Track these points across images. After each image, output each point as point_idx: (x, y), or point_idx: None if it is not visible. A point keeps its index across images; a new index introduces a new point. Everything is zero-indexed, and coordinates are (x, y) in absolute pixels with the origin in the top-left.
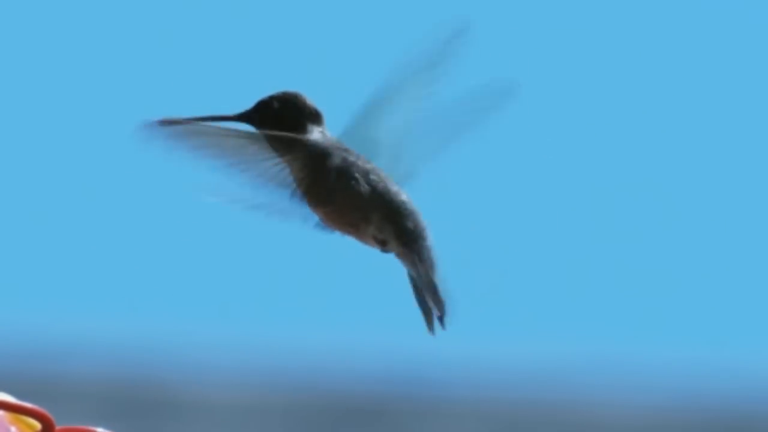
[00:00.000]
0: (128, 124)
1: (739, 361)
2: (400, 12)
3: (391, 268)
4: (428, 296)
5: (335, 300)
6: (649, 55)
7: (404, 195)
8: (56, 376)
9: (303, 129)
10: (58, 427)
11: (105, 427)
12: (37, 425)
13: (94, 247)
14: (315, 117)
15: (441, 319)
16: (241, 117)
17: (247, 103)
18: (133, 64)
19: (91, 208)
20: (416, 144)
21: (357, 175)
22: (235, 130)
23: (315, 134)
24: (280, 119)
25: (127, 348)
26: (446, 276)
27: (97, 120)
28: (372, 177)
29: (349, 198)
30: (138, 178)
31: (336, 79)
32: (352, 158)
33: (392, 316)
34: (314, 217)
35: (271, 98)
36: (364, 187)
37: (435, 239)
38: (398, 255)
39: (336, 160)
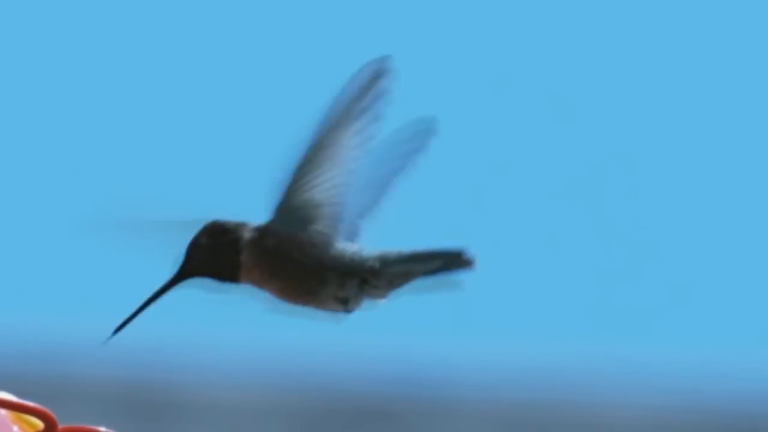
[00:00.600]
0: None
1: (744, 361)
2: (313, 67)
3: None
4: (439, 261)
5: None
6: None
7: (355, 246)
8: (60, 377)
9: (237, 245)
10: (60, 427)
11: (108, 427)
12: (40, 425)
13: (96, 247)
14: (240, 227)
15: (461, 258)
16: (183, 274)
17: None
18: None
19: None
20: (355, 198)
21: (301, 243)
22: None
23: (249, 234)
24: (215, 250)
25: (131, 349)
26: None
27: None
28: (316, 240)
29: (300, 266)
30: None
31: (259, 141)
32: (291, 230)
33: (398, 316)
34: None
35: (197, 238)
36: (312, 251)
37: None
38: (386, 289)
39: (276, 238)
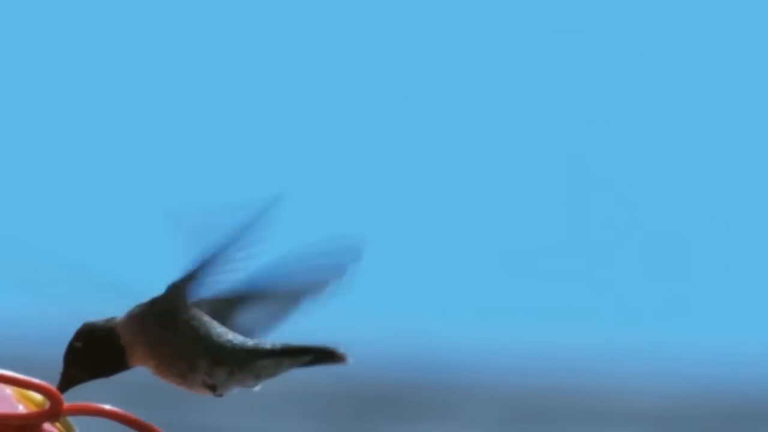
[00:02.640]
0: None
1: (758, 346)
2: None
3: (414, 255)
4: (311, 355)
5: (355, 286)
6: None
7: (230, 334)
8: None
9: (113, 337)
10: (65, 404)
11: (119, 407)
12: (45, 404)
13: (106, 230)
14: (111, 320)
15: (335, 356)
16: (67, 384)
17: None
18: None
19: (108, 202)
20: (243, 311)
21: (176, 325)
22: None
23: (121, 322)
24: (92, 348)
25: None
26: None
27: None
28: (193, 323)
29: (172, 348)
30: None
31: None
32: (172, 306)
33: (412, 302)
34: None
35: (70, 345)
36: (185, 339)
37: None
38: (255, 378)
39: (156, 310)
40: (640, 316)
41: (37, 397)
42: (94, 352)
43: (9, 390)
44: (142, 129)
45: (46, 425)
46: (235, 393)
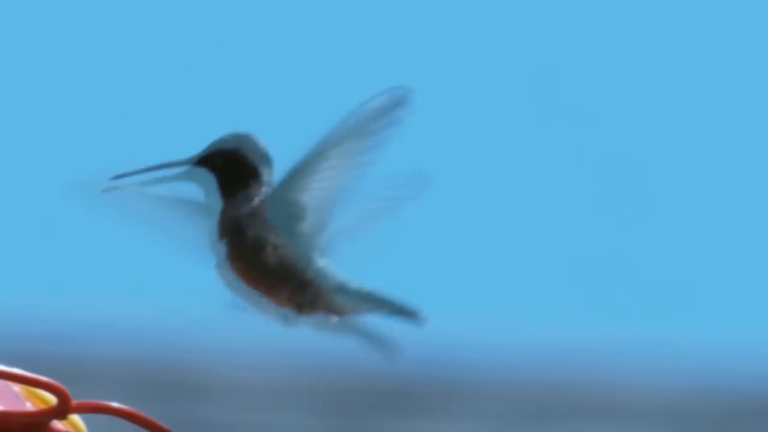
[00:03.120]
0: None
1: (765, 341)
2: (342, 77)
3: (417, 252)
4: (391, 310)
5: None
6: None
7: (324, 257)
8: (77, 358)
9: (252, 174)
10: (73, 402)
11: (123, 403)
12: (53, 402)
13: (117, 226)
14: (264, 160)
15: (413, 315)
16: (189, 163)
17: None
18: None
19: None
20: (340, 214)
21: (280, 234)
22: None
23: (252, 190)
24: (230, 163)
25: (151, 330)
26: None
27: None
28: (294, 237)
29: (269, 258)
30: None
31: (271, 136)
32: (275, 221)
33: (418, 297)
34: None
35: (222, 141)
36: (286, 248)
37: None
38: (334, 312)
39: (262, 216)
40: (646, 311)
41: (46, 394)
42: (223, 176)
43: (17, 387)
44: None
45: (55, 423)
46: (241, 388)
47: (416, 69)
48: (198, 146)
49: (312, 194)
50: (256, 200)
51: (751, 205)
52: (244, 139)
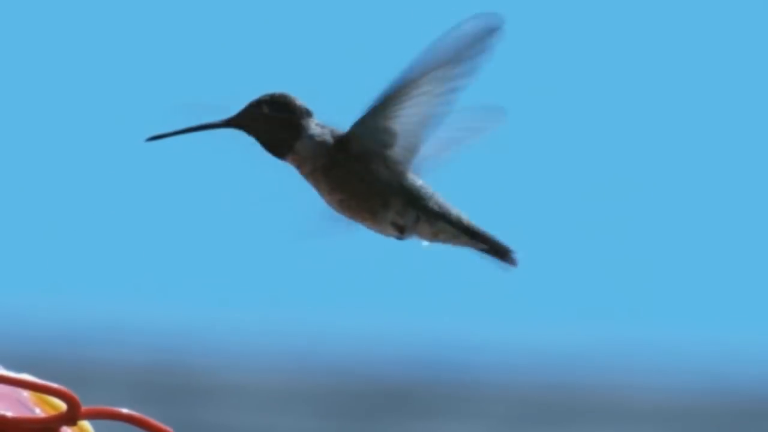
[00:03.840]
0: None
1: (766, 344)
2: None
3: (420, 252)
4: (486, 245)
5: (365, 284)
6: (656, 56)
7: (421, 180)
8: (86, 361)
9: (297, 128)
10: (82, 408)
11: (132, 410)
12: (62, 407)
13: (124, 231)
14: (307, 115)
15: (506, 254)
16: (231, 123)
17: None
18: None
19: (121, 195)
20: (429, 139)
21: (375, 161)
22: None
23: (313, 128)
24: (271, 121)
25: (158, 333)
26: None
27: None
28: (389, 163)
29: (367, 185)
30: (164, 165)
31: (361, 63)
32: (369, 147)
33: (421, 299)
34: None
35: (260, 102)
36: (383, 174)
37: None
38: (433, 235)
39: (353, 147)
40: (650, 313)
41: (55, 399)
42: (269, 126)
43: (26, 392)
44: None
45: (65, 429)
46: (245, 390)
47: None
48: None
49: (403, 120)
50: (336, 137)
51: (756, 208)
52: (282, 95)
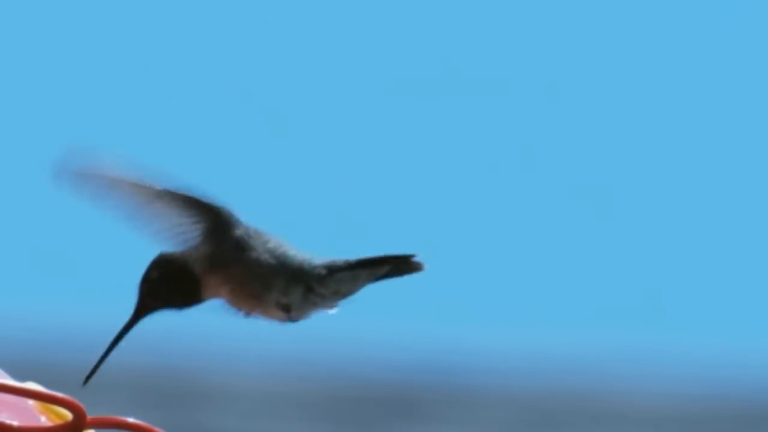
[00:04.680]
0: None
1: (764, 349)
2: None
3: (424, 257)
4: (387, 265)
5: (364, 289)
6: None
7: (305, 253)
8: (82, 365)
9: (188, 264)
10: (88, 417)
11: (136, 417)
12: (67, 415)
13: (125, 234)
14: (186, 252)
15: (409, 262)
16: (139, 314)
17: None
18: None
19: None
20: None
21: (255, 244)
22: (151, 187)
23: (194, 251)
24: (169, 279)
25: (158, 338)
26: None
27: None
28: (270, 246)
29: (249, 271)
30: None
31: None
32: (250, 230)
33: (421, 305)
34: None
35: (146, 278)
36: (261, 257)
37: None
38: (335, 294)
39: (237, 231)
40: (650, 319)
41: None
42: (169, 283)
43: (31, 401)
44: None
45: None
46: (244, 395)
47: None
48: None
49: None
50: (221, 232)
51: (756, 214)
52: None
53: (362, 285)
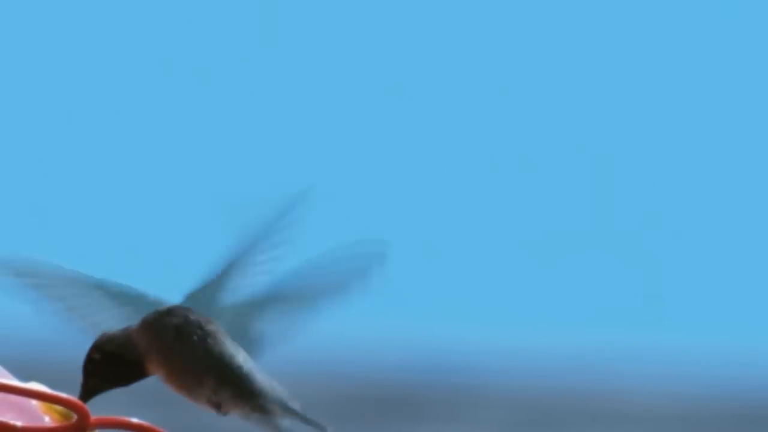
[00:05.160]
0: None
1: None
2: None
3: (423, 257)
4: (300, 420)
5: (374, 288)
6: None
7: (242, 356)
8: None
9: (130, 339)
10: (92, 418)
11: (140, 417)
12: (71, 415)
13: (127, 238)
14: (127, 329)
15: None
16: (87, 395)
17: None
18: None
19: (134, 197)
20: (265, 314)
21: (190, 338)
22: (80, 277)
23: (137, 327)
24: (111, 357)
25: None
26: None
27: None
28: (208, 339)
29: (183, 362)
30: None
31: (174, 250)
32: (191, 319)
33: (422, 304)
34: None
35: (89, 358)
36: (198, 351)
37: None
38: (250, 411)
39: (174, 320)
40: (652, 318)
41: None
42: (113, 362)
43: (34, 401)
44: (156, 128)
45: None
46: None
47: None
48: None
49: (223, 295)
50: (164, 310)
51: (760, 213)
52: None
53: (271, 417)
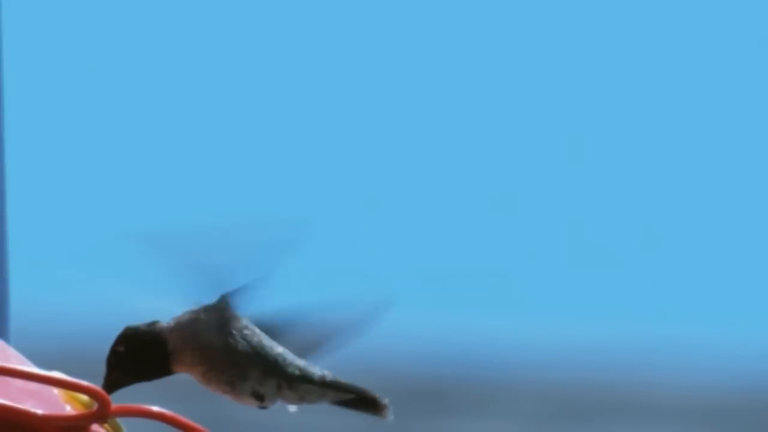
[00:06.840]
0: None
1: None
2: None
3: (450, 250)
4: (355, 395)
5: (394, 280)
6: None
7: (281, 348)
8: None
9: (159, 336)
10: (113, 405)
11: (161, 406)
12: (92, 403)
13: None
14: (154, 324)
15: (377, 404)
16: (109, 388)
17: None
18: None
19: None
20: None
21: (229, 333)
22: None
23: (167, 324)
24: (137, 354)
25: None
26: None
27: None
28: (246, 332)
29: (224, 357)
30: None
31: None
32: (229, 314)
33: (451, 297)
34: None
35: (114, 351)
36: (241, 344)
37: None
38: (299, 399)
39: (213, 316)
40: (680, 309)
41: (84, 396)
42: (138, 357)
43: (56, 390)
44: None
45: (94, 426)
46: None
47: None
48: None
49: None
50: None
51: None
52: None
53: (326, 401)
